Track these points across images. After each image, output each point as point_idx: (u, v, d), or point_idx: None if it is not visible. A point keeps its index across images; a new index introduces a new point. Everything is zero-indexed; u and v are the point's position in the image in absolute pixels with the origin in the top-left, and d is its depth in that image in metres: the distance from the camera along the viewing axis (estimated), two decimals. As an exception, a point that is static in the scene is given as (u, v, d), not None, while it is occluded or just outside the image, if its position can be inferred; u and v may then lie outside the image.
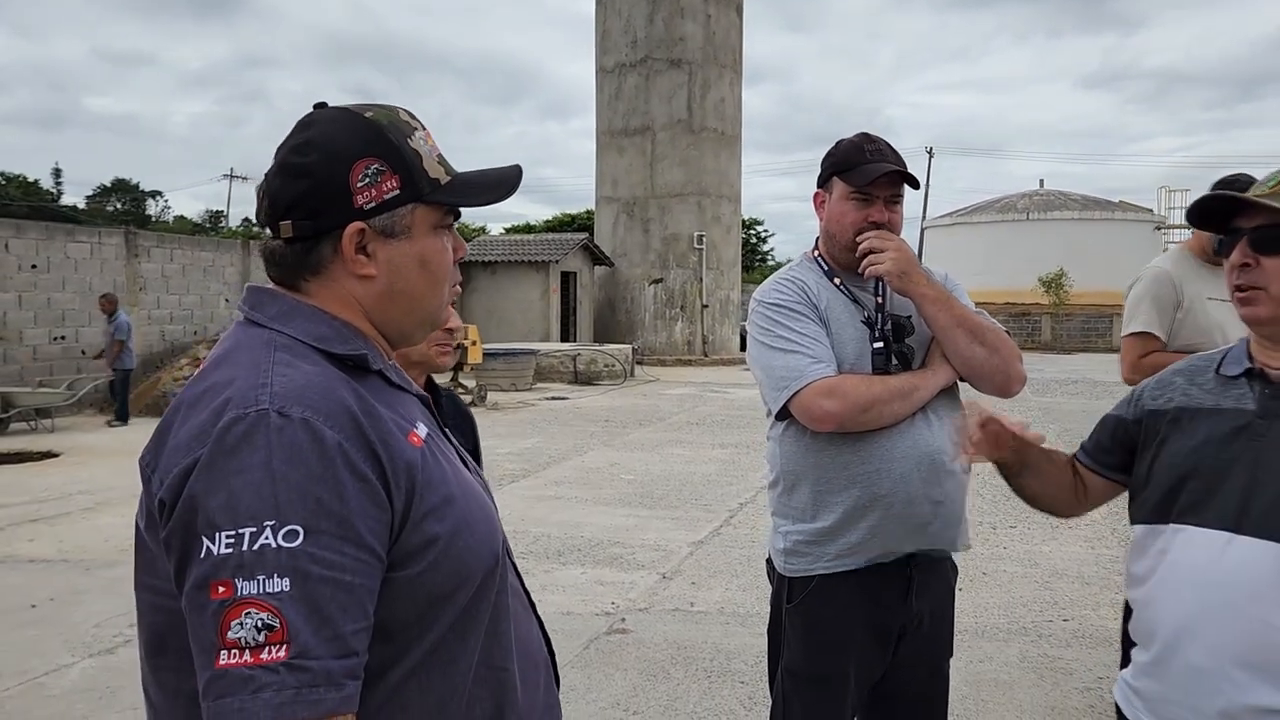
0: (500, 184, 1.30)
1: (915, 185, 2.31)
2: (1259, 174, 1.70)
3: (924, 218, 51.00)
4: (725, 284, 28.89)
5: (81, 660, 4.68)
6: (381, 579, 1.06)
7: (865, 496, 2.18)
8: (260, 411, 1.03)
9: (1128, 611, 1.81)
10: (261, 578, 0.96)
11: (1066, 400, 17.28)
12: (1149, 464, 1.72)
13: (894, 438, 2.18)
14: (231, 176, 63.30)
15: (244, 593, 0.96)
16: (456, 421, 2.01)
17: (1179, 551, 1.61)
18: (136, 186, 70.18)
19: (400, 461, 1.09)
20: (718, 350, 28.36)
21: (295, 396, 1.05)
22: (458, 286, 1.33)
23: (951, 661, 2.43)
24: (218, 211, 69.32)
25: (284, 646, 0.96)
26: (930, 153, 53.84)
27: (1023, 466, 1.88)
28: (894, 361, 2.21)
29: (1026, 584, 6.01)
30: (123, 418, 13.86)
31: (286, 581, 0.97)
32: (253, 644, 0.95)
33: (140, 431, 12.05)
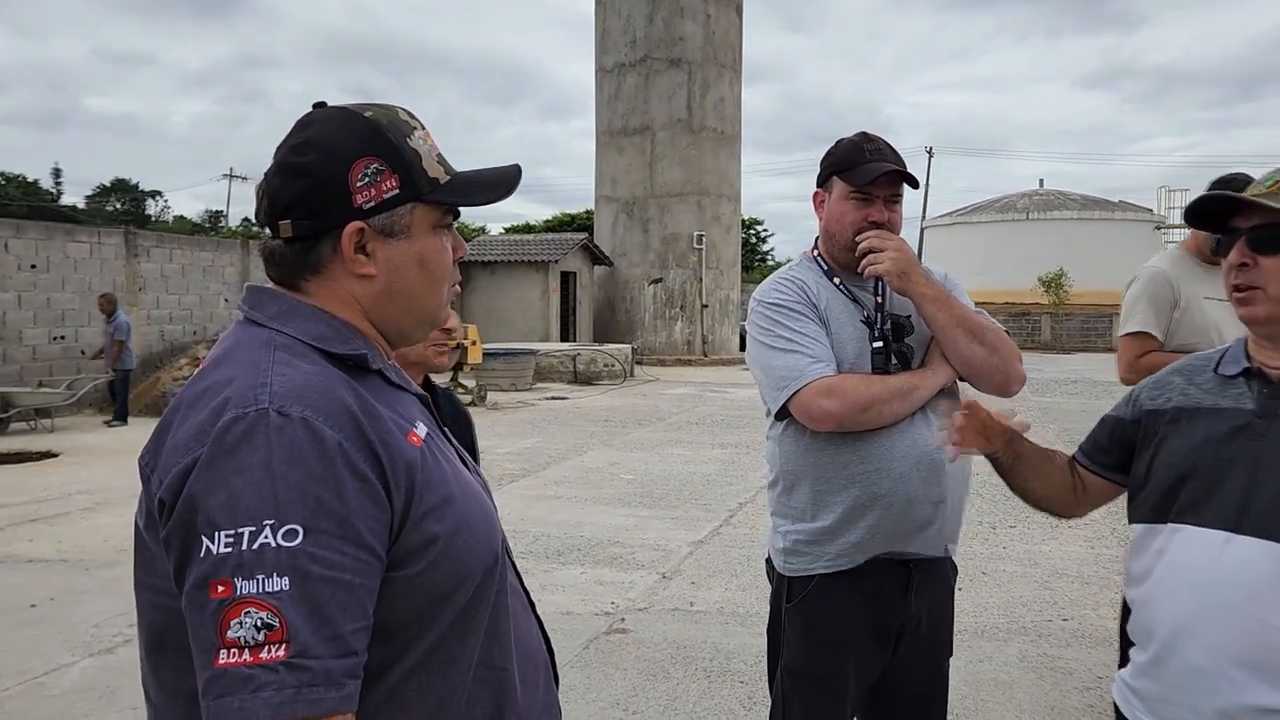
0: (499, 183, 1.30)
1: (915, 185, 2.32)
2: (1258, 174, 1.70)
3: (924, 217, 51.02)
4: (725, 284, 28.89)
5: (81, 660, 4.68)
6: (381, 579, 1.06)
7: (865, 496, 2.19)
8: (260, 411, 1.03)
9: (1125, 611, 1.81)
10: (261, 577, 0.96)
11: (1066, 400, 17.28)
12: (1147, 463, 1.72)
13: (893, 437, 2.18)
14: (231, 176, 63.36)
15: (243, 592, 0.96)
16: (453, 421, 2.01)
17: (1177, 551, 1.61)
18: (136, 186, 70.19)
19: (400, 461, 1.10)
20: (717, 350, 28.36)
21: (295, 396, 1.05)
22: (456, 286, 1.33)
23: (951, 661, 2.44)
24: (217, 211, 69.40)
25: (283, 646, 0.96)
26: (930, 152, 53.92)
27: (1015, 460, 1.88)
28: (893, 361, 2.21)
29: (1026, 583, 6.01)
30: (122, 418, 13.86)
31: (286, 581, 0.97)
32: (252, 643, 0.95)
33: (139, 431, 12.04)
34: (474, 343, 16.77)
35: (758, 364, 2.30)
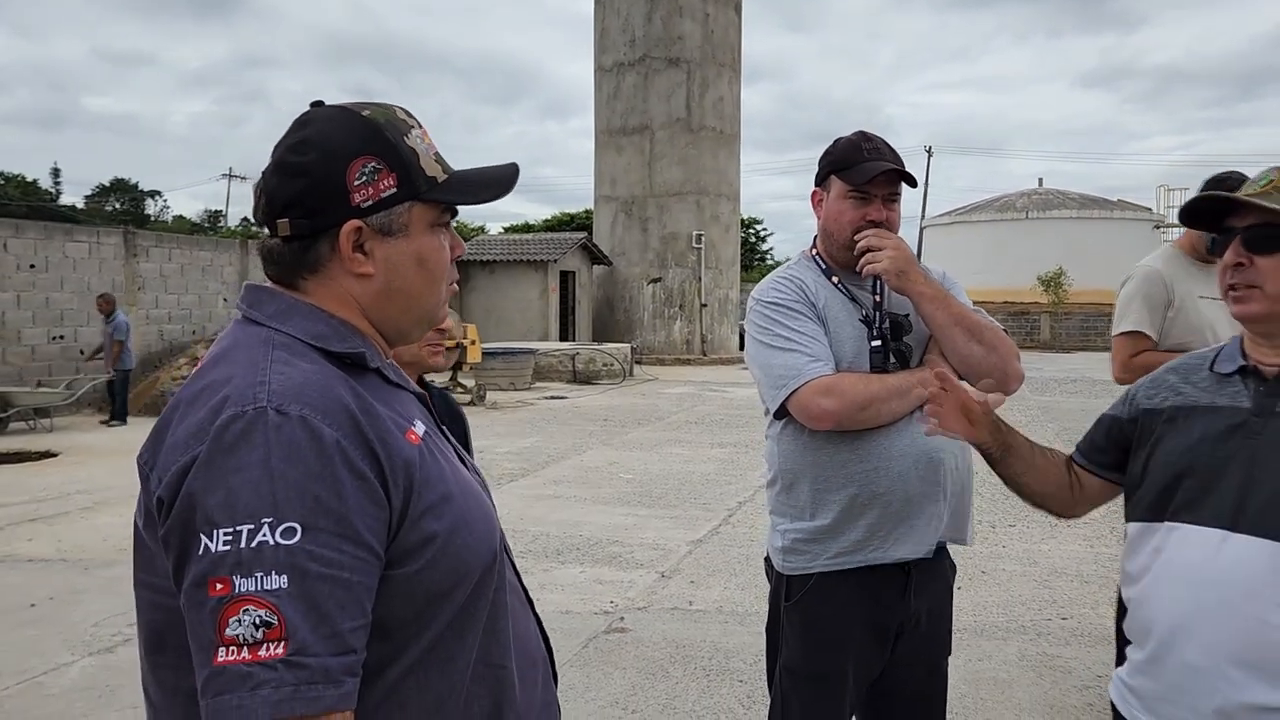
0: (497, 182, 1.30)
1: (912, 184, 2.32)
2: (1253, 173, 1.70)
3: (923, 217, 51.04)
4: (724, 283, 28.89)
5: (81, 659, 4.69)
6: (380, 577, 1.06)
7: (863, 495, 2.19)
8: (258, 409, 1.03)
9: (1121, 609, 1.81)
10: (259, 575, 0.97)
11: (1065, 399, 17.29)
12: (1144, 462, 1.72)
13: (892, 436, 2.18)
14: (230, 176, 63.39)
15: (242, 590, 0.96)
16: (448, 420, 2.01)
17: (1174, 549, 1.62)
18: (135, 186, 70.14)
19: (398, 459, 1.10)
20: (716, 349, 28.36)
21: (293, 394, 1.05)
22: (454, 285, 1.33)
23: (950, 660, 2.44)
24: (216, 211, 69.41)
25: (282, 644, 0.96)
26: (929, 152, 53.94)
27: (1005, 452, 1.87)
28: (892, 360, 2.21)
29: (1025, 582, 6.02)
30: (121, 417, 13.86)
31: (284, 579, 0.97)
32: (251, 641, 0.95)
33: (139, 431, 12.03)
34: (473, 342, 16.76)
35: (756, 363, 2.30)
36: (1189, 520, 1.60)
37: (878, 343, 2.22)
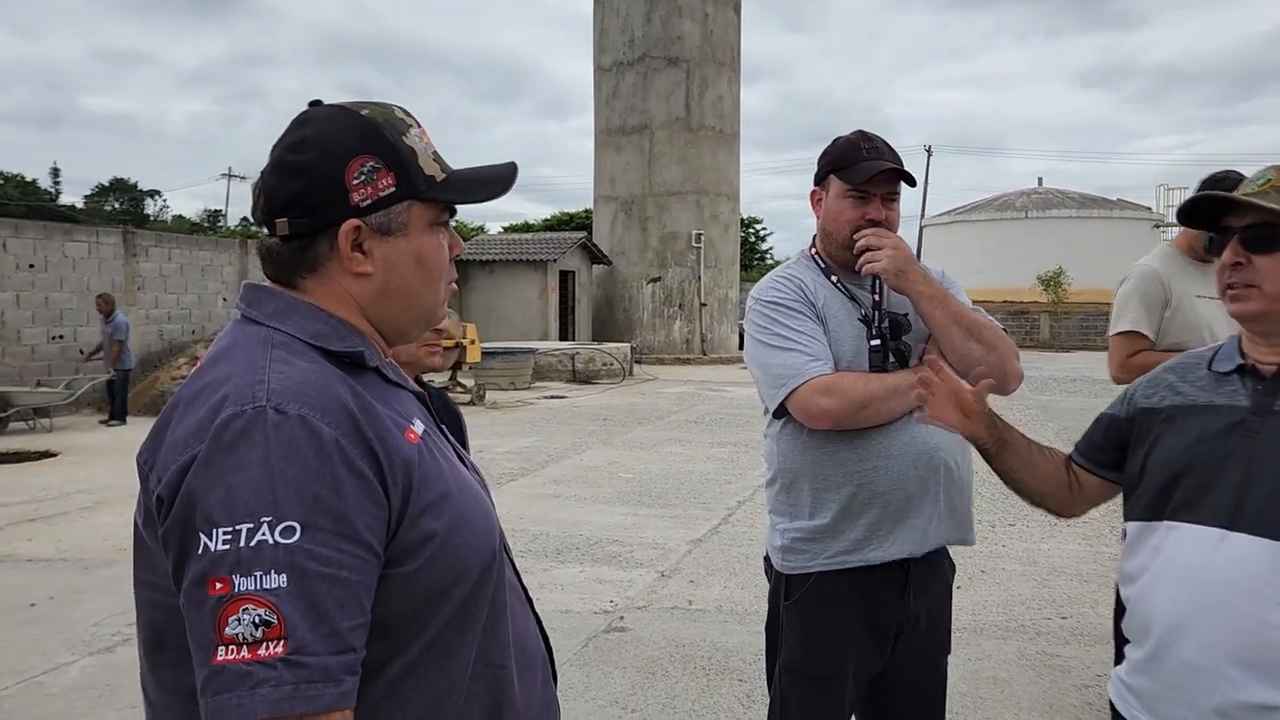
0: (496, 181, 1.30)
1: (911, 183, 2.32)
2: (1251, 172, 1.70)
3: (923, 216, 51.03)
4: (723, 282, 28.90)
5: (81, 659, 4.69)
6: (379, 575, 1.06)
7: (862, 494, 2.19)
8: (257, 408, 1.03)
9: (1120, 608, 1.81)
10: (259, 574, 0.97)
11: (1065, 398, 17.29)
12: (1142, 461, 1.72)
13: (891, 435, 2.18)
14: (230, 176, 63.29)
15: (241, 589, 0.96)
16: (444, 419, 2.01)
17: (1173, 548, 1.62)
18: (134, 186, 70.07)
19: (397, 458, 1.10)
20: (716, 349, 28.36)
21: (292, 393, 1.06)
22: (453, 284, 1.33)
23: (950, 659, 2.44)
24: (216, 211, 69.36)
25: (281, 642, 0.96)
26: (929, 151, 53.91)
27: (1001, 447, 1.87)
28: (891, 359, 2.21)
29: (1025, 582, 6.02)
30: (121, 417, 13.87)
31: (284, 578, 0.97)
32: (250, 640, 0.95)
33: (138, 431, 12.01)
34: (473, 341, 16.76)
35: (755, 362, 2.30)
36: (1187, 519, 1.60)
37: (877, 342, 2.22)
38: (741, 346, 2.57)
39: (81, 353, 15.18)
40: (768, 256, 59.10)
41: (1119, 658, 1.84)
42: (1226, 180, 2.96)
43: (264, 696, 0.94)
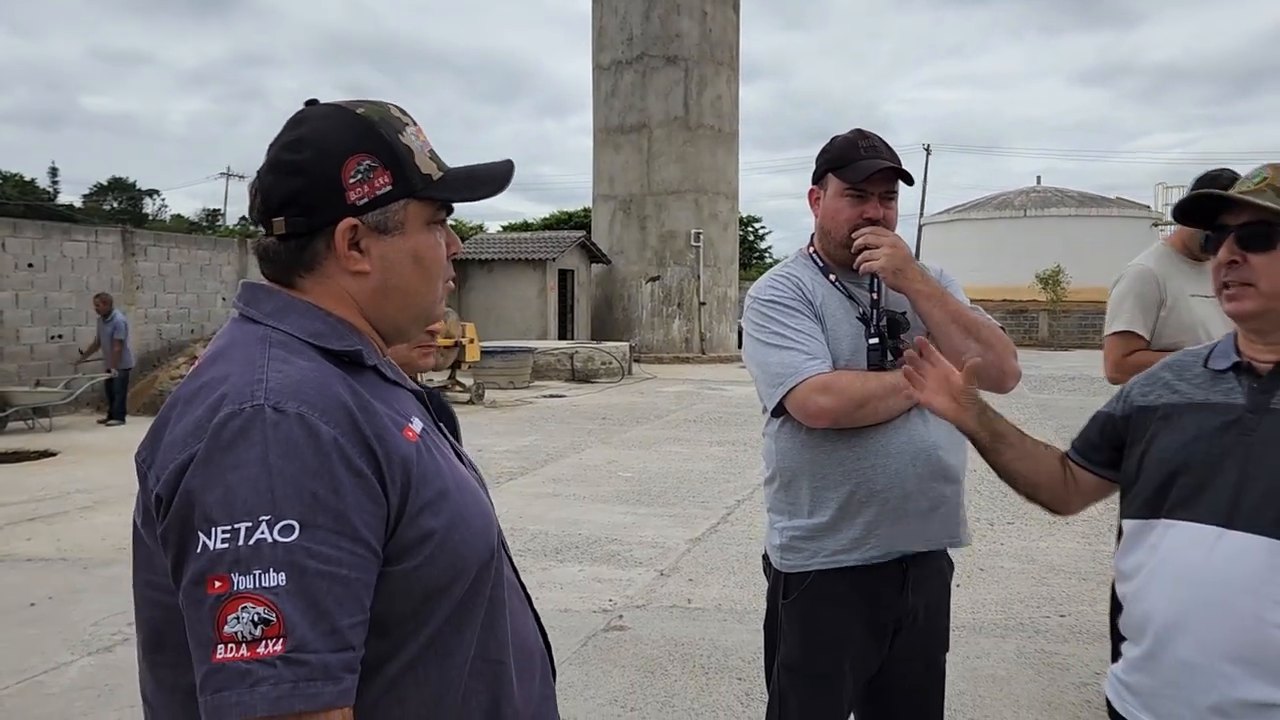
0: (492, 179, 1.31)
1: (909, 182, 2.32)
2: (1248, 170, 1.71)
3: (921, 214, 51.04)
4: (722, 281, 28.90)
5: (80, 658, 4.69)
6: (377, 573, 1.06)
7: (861, 492, 2.19)
8: (256, 407, 1.03)
9: (1116, 605, 1.81)
10: (258, 572, 0.97)
11: (1063, 397, 17.30)
12: (1138, 459, 1.73)
13: (889, 433, 2.19)
14: (228, 175, 63.19)
15: (240, 587, 0.96)
16: (438, 416, 2.01)
17: (1170, 546, 1.62)
18: (133, 185, 69.95)
19: (396, 456, 1.10)
20: (715, 348, 28.37)
21: (290, 392, 1.06)
22: (450, 282, 1.33)
23: (948, 657, 2.44)
24: (215, 210, 69.27)
25: (281, 640, 0.96)
26: (928, 150, 53.97)
27: (995, 439, 1.87)
28: (889, 357, 2.22)
29: (1023, 580, 6.03)
30: (120, 416, 13.86)
31: (283, 576, 0.97)
32: (249, 638, 0.96)
33: (137, 430, 12.02)
34: (471, 340, 16.76)
35: (754, 361, 2.30)
36: (1184, 517, 1.61)
37: (875, 340, 2.22)
38: (740, 345, 2.57)
39: (81, 352, 15.16)
40: (766, 255, 59.07)
41: (1115, 655, 1.84)
42: (1221, 179, 2.96)
43: (263, 694, 0.95)
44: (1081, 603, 5.54)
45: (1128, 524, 1.73)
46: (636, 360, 24.63)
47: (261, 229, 1.21)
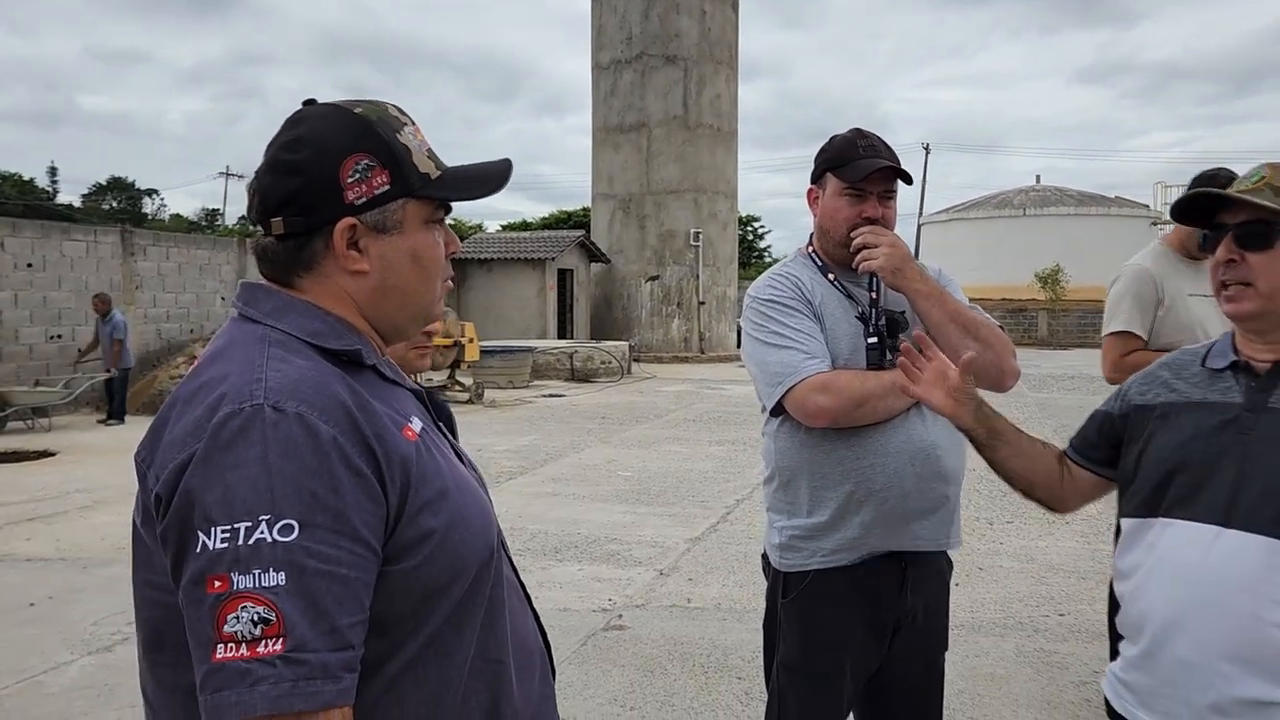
0: (490, 178, 1.31)
1: (908, 181, 2.32)
2: (1247, 169, 1.71)
3: (921, 213, 51.03)
4: (722, 280, 28.90)
5: (80, 658, 4.69)
6: (377, 573, 1.07)
7: (860, 491, 2.19)
8: (255, 406, 1.03)
9: (1114, 604, 1.81)
10: (257, 572, 0.97)
11: (1063, 396, 17.30)
12: (1136, 458, 1.73)
13: (888, 433, 2.19)
14: (227, 174, 63.12)
15: (240, 587, 0.97)
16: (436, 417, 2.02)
17: (1168, 545, 1.62)
18: (132, 184, 69.93)
19: (395, 456, 1.10)
20: (714, 347, 28.37)
21: (290, 391, 1.06)
22: (449, 281, 1.34)
23: (947, 656, 2.45)
24: (214, 209, 69.21)
25: (280, 640, 0.96)
26: (927, 149, 53.90)
27: (991, 436, 1.87)
28: (888, 357, 2.22)
29: (1022, 579, 6.03)
30: (119, 416, 13.86)
31: (282, 575, 0.97)
32: (249, 637, 0.96)
33: (136, 430, 12.01)
34: (471, 340, 16.76)
35: (753, 360, 2.31)
36: (1182, 516, 1.61)
37: (874, 340, 2.23)
38: (739, 344, 2.56)
39: (80, 351, 15.16)
40: (766, 254, 59.11)
41: (1114, 654, 1.84)
42: (1218, 178, 2.96)
43: (263, 694, 0.95)
44: (1080, 602, 5.54)
45: (1125, 523, 1.73)
46: (636, 360, 24.63)
47: (260, 229, 1.21)
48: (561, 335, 26.95)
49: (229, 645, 0.96)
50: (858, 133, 2.31)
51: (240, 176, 61.68)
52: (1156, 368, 1.80)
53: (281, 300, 1.20)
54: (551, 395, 17.96)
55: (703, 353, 27.99)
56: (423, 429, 1.20)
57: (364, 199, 1.18)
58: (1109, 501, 1.90)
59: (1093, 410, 1.91)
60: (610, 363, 21.97)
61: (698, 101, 27.87)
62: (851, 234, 2.25)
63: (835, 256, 2.33)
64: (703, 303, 28.14)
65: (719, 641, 4.89)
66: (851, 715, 2.40)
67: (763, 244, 60.49)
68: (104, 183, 68.90)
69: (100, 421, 13.85)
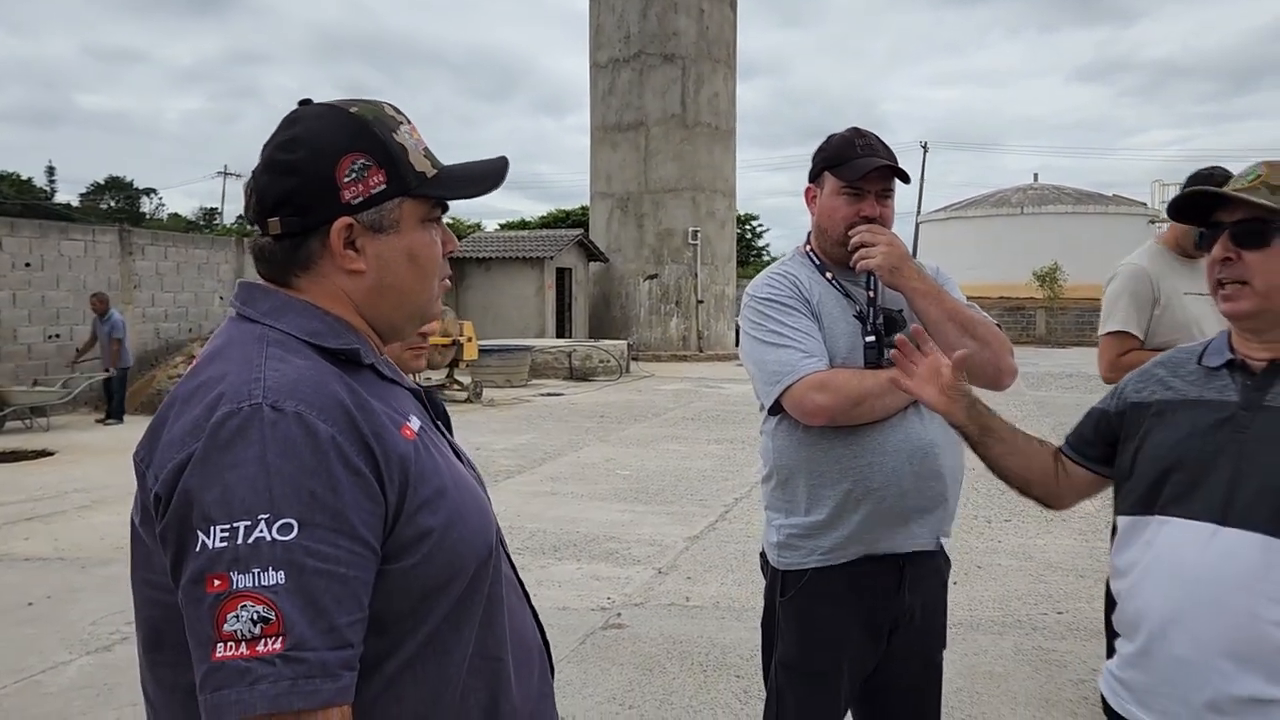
0: (487, 176, 1.31)
1: (906, 180, 2.32)
2: (1243, 168, 1.71)
3: (919, 212, 51.06)
4: (720, 279, 28.90)
5: (79, 658, 4.69)
6: (376, 572, 1.07)
7: (858, 490, 2.20)
8: (254, 406, 1.04)
9: (1111, 602, 1.82)
10: (256, 571, 0.97)
11: (1061, 394, 17.31)
12: (1132, 455, 1.73)
13: (886, 431, 2.19)
14: (225, 174, 63.05)
15: (239, 586, 0.97)
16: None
17: (1164, 543, 1.62)
18: (130, 184, 69.86)
19: (394, 455, 1.10)
20: (712, 346, 28.37)
21: (288, 390, 1.06)
22: (446, 280, 1.34)
23: (946, 654, 2.45)
24: (212, 209, 69.16)
25: (280, 638, 0.96)
26: (925, 147, 53.81)
27: (984, 433, 1.87)
28: (886, 355, 2.22)
29: (1020, 577, 6.04)
30: (118, 416, 13.85)
31: (281, 574, 0.98)
32: (249, 636, 0.96)
33: (135, 429, 12.02)
34: (469, 339, 16.75)
35: (751, 359, 2.31)
36: (1178, 514, 1.61)
37: (871, 338, 2.23)
38: (738, 343, 2.59)
39: (78, 351, 15.15)
40: (764, 253, 59.09)
41: (1111, 652, 1.84)
42: (1214, 176, 2.96)
43: (263, 692, 0.95)
44: (1079, 600, 5.55)
45: (1122, 520, 1.74)
46: (634, 358, 24.62)
47: (257, 229, 1.21)
48: (560, 334, 26.95)
49: (229, 644, 0.96)
50: (855, 132, 2.32)
51: (238, 176, 61.60)
52: (1153, 365, 1.81)
53: (279, 300, 1.20)
54: (550, 394, 17.96)
55: (701, 351, 27.99)
56: (421, 428, 1.20)
57: (360, 198, 1.18)
58: (1107, 499, 1.90)
59: (1089, 408, 1.91)
60: (609, 361, 21.97)
61: (696, 100, 27.86)
62: (849, 233, 2.25)
63: (833, 255, 2.33)
64: (701, 301, 28.14)
65: (717, 640, 4.90)
66: (850, 714, 2.40)
67: (761, 242, 60.50)
68: (102, 182, 68.86)
69: (99, 421, 13.83)
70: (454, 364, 16.73)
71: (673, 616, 5.30)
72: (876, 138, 2.30)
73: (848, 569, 2.25)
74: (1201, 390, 1.67)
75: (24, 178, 60.94)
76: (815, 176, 2.36)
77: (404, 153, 1.22)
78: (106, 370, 14.07)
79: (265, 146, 1.22)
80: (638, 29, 27.72)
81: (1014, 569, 6.21)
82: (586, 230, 29.71)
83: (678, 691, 4.26)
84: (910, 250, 2.28)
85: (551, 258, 26.48)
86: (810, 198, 2.39)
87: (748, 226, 56.56)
